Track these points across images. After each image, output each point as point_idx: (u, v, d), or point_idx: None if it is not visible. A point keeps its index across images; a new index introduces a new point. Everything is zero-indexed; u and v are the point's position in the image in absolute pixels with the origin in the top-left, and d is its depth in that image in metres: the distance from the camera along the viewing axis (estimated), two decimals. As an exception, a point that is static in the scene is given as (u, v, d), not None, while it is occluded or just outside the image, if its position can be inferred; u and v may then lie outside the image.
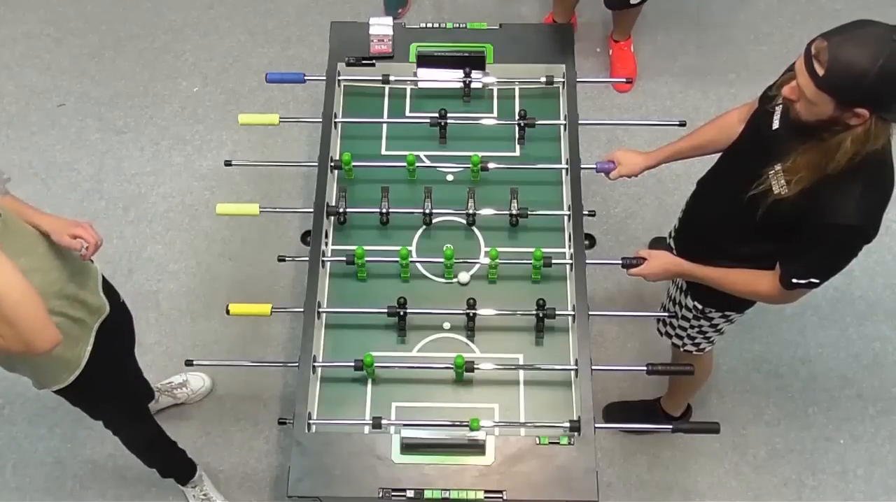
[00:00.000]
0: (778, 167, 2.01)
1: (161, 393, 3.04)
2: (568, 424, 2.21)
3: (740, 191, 2.09)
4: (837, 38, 1.78)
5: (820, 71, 1.79)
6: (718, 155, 2.36)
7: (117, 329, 2.37)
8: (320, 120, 2.64)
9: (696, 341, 2.56)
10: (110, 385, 2.37)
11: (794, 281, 2.06)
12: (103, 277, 2.32)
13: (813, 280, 2.05)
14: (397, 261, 2.40)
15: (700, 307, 2.43)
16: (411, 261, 2.44)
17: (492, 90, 2.76)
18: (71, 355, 2.17)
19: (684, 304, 2.49)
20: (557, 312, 2.34)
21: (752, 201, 2.06)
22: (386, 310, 2.35)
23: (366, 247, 2.40)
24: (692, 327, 2.53)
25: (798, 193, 1.96)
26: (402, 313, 2.35)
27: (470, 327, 2.37)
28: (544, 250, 2.40)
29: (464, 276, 2.45)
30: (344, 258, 2.42)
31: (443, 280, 2.47)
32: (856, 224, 1.93)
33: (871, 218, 1.95)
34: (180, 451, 2.80)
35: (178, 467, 2.85)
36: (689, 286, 2.44)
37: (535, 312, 2.34)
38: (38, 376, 2.21)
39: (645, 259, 2.36)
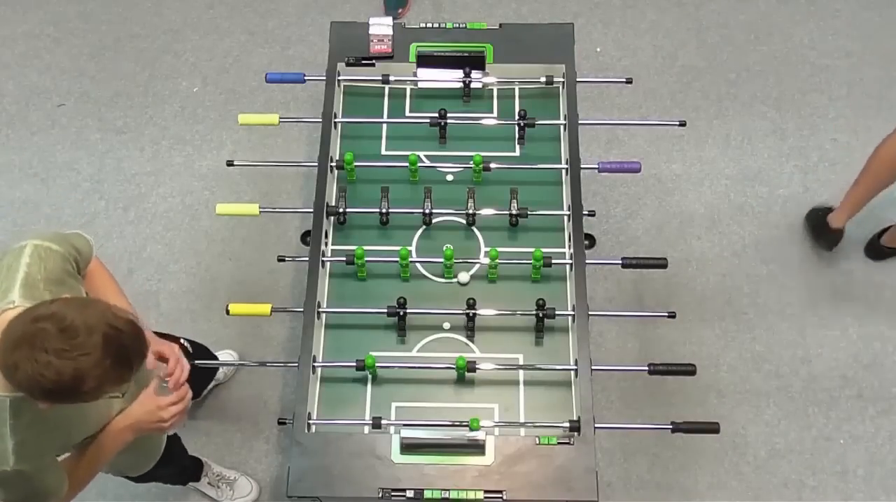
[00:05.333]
0: None
1: (161, 393, 3.05)
2: (568, 424, 2.21)
3: None
4: None
5: None
6: None
7: None
8: (320, 120, 2.64)
9: None
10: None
11: None
12: None
13: None
14: (397, 261, 2.40)
15: None
16: (411, 261, 2.44)
17: (492, 90, 2.75)
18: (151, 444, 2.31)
19: None
20: (557, 312, 2.34)
21: None
22: (386, 310, 2.35)
23: (366, 247, 2.40)
24: None
25: None
26: (401, 313, 2.35)
27: (470, 327, 2.37)
28: (544, 250, 2.40)
29: (464, 276, 2.45)
30: (344, 258, 2.42)
31: (443, 280, 2.47)
32: None
33: None
34: (191, 457, 2.82)
35: (193, 471, 2.89)
36: None
37: (534, 312, 2.34)
38: (140, 462, 2.36)
39: None
